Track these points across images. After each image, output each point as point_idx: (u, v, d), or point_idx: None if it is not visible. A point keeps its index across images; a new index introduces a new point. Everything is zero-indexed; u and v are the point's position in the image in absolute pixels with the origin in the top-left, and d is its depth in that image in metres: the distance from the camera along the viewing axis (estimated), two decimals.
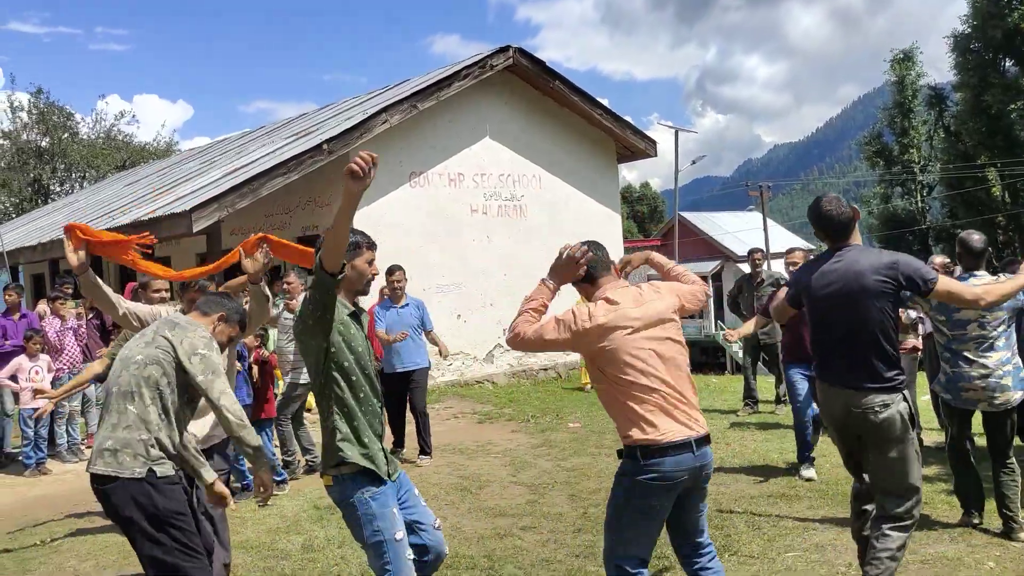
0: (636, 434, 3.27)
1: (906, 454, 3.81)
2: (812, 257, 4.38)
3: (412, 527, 3.43)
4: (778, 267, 17.39)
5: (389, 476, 3.35)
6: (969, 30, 31.68)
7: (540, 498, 6.47)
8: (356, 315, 3.42)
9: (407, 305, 8.11)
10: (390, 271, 8.04)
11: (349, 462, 3.26)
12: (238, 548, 5.61)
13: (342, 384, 3.29)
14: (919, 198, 37.29)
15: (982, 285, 4.17)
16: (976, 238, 5.03)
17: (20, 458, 8.80)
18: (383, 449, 3.39)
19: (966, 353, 4.90)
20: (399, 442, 8.25)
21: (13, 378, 8.67)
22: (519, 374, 13.65)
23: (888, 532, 3.80)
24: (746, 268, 13.57)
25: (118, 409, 3.53)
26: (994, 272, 5.73)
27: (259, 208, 12.50)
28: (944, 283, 3.86)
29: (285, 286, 7.82)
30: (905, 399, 3.84)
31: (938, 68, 39.07)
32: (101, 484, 3.48)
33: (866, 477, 4.04)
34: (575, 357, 12.82)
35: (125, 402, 3.52)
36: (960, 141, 33.25)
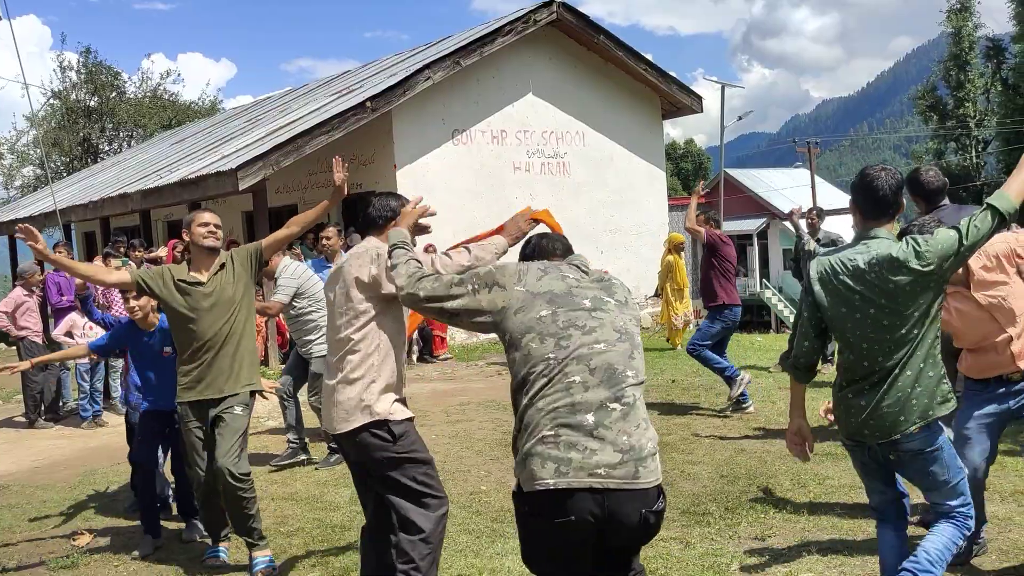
0: None
1: None
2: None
3: None
4: (832, 226, 16.77)
5: None
6: None
7: None
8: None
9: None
10: (319, 227, 6.91)
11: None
12: (288, 500, 5.75)
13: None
14: (974, 153, 36.31)
15: None
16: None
17: (78, 411, 9.08)
18: None
19: None
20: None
21: (69, 335, 8.89)
22: None
23: None
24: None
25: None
26: None
27: (303, 166, 12.59)
28: None
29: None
30: None
31: (996, 19, 37.82)
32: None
33: None
34: None
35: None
36: (1018, 95, 32.28)
